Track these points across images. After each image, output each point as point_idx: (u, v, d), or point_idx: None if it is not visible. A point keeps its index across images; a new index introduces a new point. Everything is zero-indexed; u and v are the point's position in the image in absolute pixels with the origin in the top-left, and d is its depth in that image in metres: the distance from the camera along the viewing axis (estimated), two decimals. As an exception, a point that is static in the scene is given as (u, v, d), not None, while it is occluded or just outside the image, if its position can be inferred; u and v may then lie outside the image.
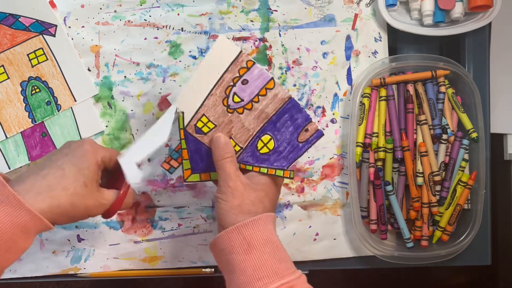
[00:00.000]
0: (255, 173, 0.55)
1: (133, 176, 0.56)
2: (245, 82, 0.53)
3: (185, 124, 0.56)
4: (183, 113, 0.56)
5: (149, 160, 0.69)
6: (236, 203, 0.52)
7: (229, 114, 0.55)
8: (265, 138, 0.54)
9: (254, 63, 0.53)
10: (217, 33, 0.70)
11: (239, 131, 0.56)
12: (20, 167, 0.69)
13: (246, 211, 0.52)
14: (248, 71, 0.53)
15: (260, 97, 0.54)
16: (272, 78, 0.53)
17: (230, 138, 0.56)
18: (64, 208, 0.47)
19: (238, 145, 0.56)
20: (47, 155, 0.52)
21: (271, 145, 0.54)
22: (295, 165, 0.70)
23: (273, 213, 0.54)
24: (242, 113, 0.55)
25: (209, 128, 0.56)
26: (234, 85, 0.54)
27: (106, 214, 0.53)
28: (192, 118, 0.56)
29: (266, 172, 0.54)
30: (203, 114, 0.55)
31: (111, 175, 0.56)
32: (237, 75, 0.54)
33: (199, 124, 0.56)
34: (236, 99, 0.54)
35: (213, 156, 0.55)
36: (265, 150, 0.54)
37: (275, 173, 0.54)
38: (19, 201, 0.45)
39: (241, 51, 0.53)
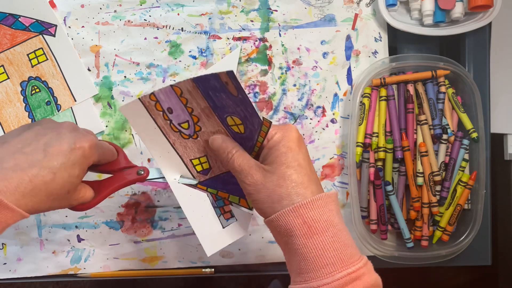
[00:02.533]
0: (265, 150, 0.48)
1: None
2: (170, 110, 0.49)
3: (194, 179, 0.53)
4: (181, 176, 0.53)
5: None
6: (263, 196, 0.46)
7: (197, 139, 0.51)
8: (229, 120, 0.48)
9: (152, 92, 0.48)
10: (217, 33, 0.70)
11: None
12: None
13: (277, 198, 0.46)
14: (159, 101, 0.48)
15: (187, 106, 0.49)
16: (171, 86, 0.47)
17: None
18: (40, 209, 0.45)
19: None
20: (40, 135, 0.45)
21: (236, 120, 0.48)
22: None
23: (333, 192, 0.47)
24: (200, 130, 0.51)
25: (206, 162, 0.53)
26: (170, 120, 0.50)
27: (73, 209, 0.50)
28: (190, 172, 0.53)
29: (259, 147, 0.49)
30: (190, 160, 0.53)
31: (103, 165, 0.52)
32: (160, 111, 0.49)
33: (198, 168, 0.53)
34: (184, 125, 0.50)
35: (220, 161, 0.51)
36: (236, 129, 0.48)
37: (262, 135, 0.48)
38: (4, 204, 0.42)
39: (139, 98, 0.48)
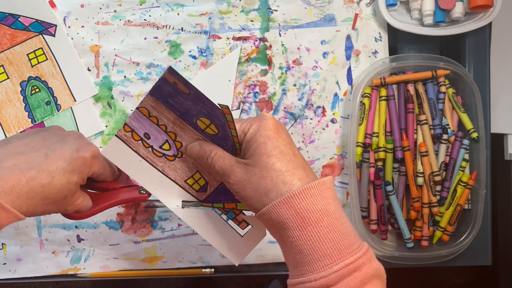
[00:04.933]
0: (243, 144, 0.47)
1: None
2: (146, 135, 0.49)
3: (195, 200, 0.52)
4: (183, 201, 0.52)
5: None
6: (249, 192, 0.44)
7: (182, 157, 0.50)
8: (200, 124, 0.47)
9: (124, 123, 0.48)
10: (217, 33, 0.70)
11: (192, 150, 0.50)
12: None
13: (263, 192, 0.44)
14: (134, 130, 0.48)
15: (160, 125, 0.48)
16: (137, 108, 0.47)
17: (197, 171, 0.51)
18: (36, 212, 0.44)
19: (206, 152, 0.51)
20: (45, 138, 0.46)
21: (205, 121, 0.46)
22: None
23: (328, 178, 0.44)
24: (182, 146, 0.50)
25: (200, 178, 0.52)
26: (151, 147, 0.49)
27: (68, 216, 0.49)
28: (190, 194, 0.52)
29: (240, 144, 0.47)
30: (184, 182, 0.51)
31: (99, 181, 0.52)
32: (138, 141, 0.49)
33: (196, 187, 0.52)
34: (165, 146, 0.50)
35: (206, 169, 0.50)
36: (210, 131, 0.48)
37: (232, 127, 0.46)
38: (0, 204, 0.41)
39: (115, 135, 0.48)
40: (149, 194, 0.52)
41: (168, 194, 0.52)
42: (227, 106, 0.44)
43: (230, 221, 0.52)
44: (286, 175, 0.44)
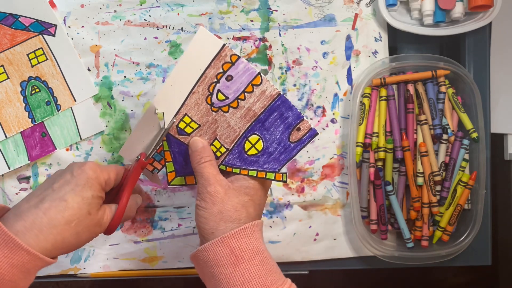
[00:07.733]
0: (241, 176, 0.52)
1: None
2: (229, 78, 0.49)
3: (166, 125, 0.53)
4: (163, 113, 0.52)
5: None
6: (216, 210, 0.49)
7: (214, 112, 0.51)
8: (253, 138, 0.50)
9: (239, 57, 0.49)
10: (217, 33, 0.70)
11: (225, 131, 0.52)
12: (20, 167, 0.69)
13: (228, 218, 0.49)
14: (232, 66, 0.49)
15: (246, 94, 0.49)
16: (259, 74, 0.49)
17: (215, 139, 0.53)
18: (68, 241, 0.46)
19: (224, 146, 0.53)
20: (48, 180, 0.49)
21: (259, 146, 0.50)
22: (295, 165, 0.70)
23: (259, 221, 0.50)
24: (227, 112, 0.50)
25: (192, 128, 0.52)
26: (217, 82, 0.50)
27: (107, 232, 0.50)
28: (172, 120, 0.52)
29: (255, 175, 0.51)
30: (185, 114, 0.52)
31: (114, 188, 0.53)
32: (221, 70, 0.49)
33: (181, 125, 0.52)
34: (221, 96, 0.50)
35: (191, 161, 0.52)
36: (253, 151, 0.51)
37: (265, 176, 0.50)
38: (17, 244, 0.43)
39: (224, 44, 0.48)
40: (144, 155, 0.52)
41: (168, 98, 0.52)
42: (285, 181, 0.51)
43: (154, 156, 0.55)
44: (250, 220, 0.50)
